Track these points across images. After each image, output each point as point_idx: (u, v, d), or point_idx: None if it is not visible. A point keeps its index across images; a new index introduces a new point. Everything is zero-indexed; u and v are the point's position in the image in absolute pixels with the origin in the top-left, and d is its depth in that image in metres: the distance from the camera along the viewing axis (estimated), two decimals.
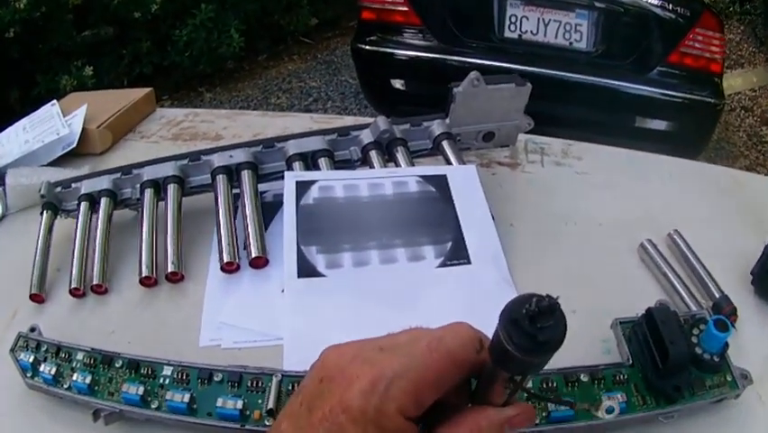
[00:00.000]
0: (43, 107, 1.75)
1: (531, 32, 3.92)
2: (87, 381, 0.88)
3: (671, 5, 3.92)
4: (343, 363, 0.57)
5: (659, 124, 4.05)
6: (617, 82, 3.91)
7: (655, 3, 3.90)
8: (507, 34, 3.96)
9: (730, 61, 8.06)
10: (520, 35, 3.94)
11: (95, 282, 1.13)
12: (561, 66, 3.91)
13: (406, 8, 4.10)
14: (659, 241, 1.26)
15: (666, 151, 3.36)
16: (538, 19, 3.88)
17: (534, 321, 0.47)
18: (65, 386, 0.90)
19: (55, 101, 1.76)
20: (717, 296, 1.12)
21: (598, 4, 3.82)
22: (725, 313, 1.07)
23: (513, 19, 3.92)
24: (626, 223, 1.34)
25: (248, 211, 1.19)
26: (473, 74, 1.28)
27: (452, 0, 4.06)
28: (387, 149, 1.31)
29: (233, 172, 1.27)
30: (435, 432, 0.57)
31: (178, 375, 0.88)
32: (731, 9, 9.82)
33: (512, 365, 0.51)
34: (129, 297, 1.14)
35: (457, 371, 0.56)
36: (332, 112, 5.91)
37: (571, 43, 3.91)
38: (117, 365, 0.90)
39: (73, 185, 1.29)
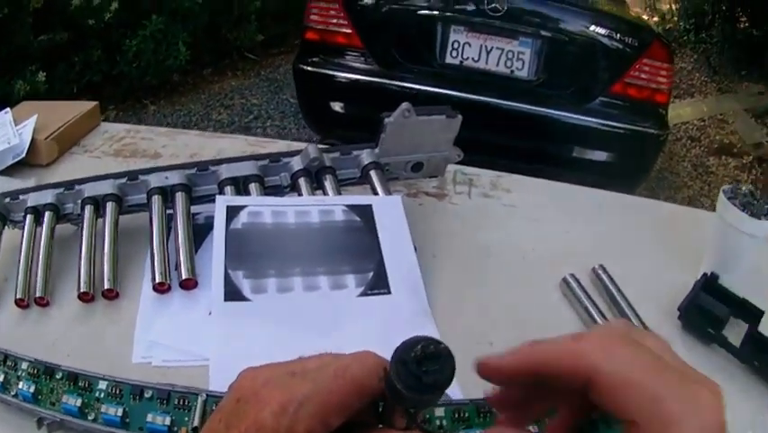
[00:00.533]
0: None
1: (472, 58, 3.94)
2: (32, 390, 0.91)
3: (618, 35, 3.94)
4: (257, 386, 0.59)
5: (599, 155, 4.07)
6: (556, 112, 3.93)
7: (603, 32, 3.92)
8: (449, 60, 3.98)
9: (680, 90, 8.16)
10: (461, 62, 3.96)
11: (37, 295, 1.15)
12: (500, 94, 3.93)
13: (349, 30, 4.11)
14: (583, 275, 1.29)
15: (605, 181, 3.41)
16: (481, 46, 3.90)
17: (421, 364, 0.50)
18: (12, 393, 0.93)
19: (8, 109, 1.77)
20: None
21: (543, 33, 3.85)
22: None
23: (455, 45, 3.93)
24: (551, 256, 1.37)
25: (180, 233, 1.21)
26: (404, 105, 1.31)
27: (396, 24, 4.09)
28: (316, 176, 1.33)
29: (167, 193, 1.29)
30: None
31: (112, 390, 0.90)
32: (685, 38, 9.92)
33: (402, 400, 0.55)
34: (69, 310, 1.15)
35: (360, 397, 0.58)
36: (271, 131, 5.94)
37: (512, 71, 3.92)
38: (58, 377, 0.92)
39: (20, 196, 1.30)
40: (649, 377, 0.51)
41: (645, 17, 10.42)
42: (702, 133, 7.05)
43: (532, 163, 3.81)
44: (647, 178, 4.78)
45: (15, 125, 1.68)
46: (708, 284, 1.25)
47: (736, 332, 1.18)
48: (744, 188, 1.24)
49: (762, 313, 1.20)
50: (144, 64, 5.95)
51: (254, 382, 0.60)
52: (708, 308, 1.21)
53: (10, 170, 1.59)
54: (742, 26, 9.31)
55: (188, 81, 6.89)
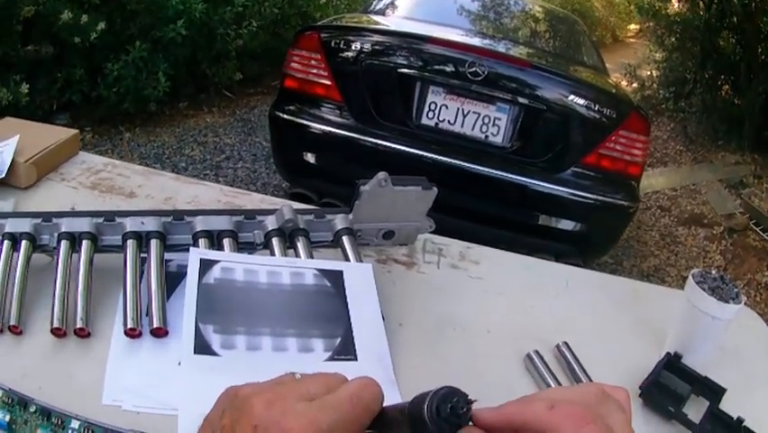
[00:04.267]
0: None
1: (449, 121, 3.96)
2: (7, 419, 0.93)
3: (596, 106, 3.98)
4: (276, 415, 0.63)
5: (568, 224, 4.10)
6: (528, 180, 3.94)
7: (580, 102, 3.96)
8: (425, 121, 3.99)
9: (654, 159, 8.23)
10: (437, 123, 3.98)
11: (11, 323, 1.15)
12: (473, 158, 3.94)
13: (329, 82, 4.12)
14: (547, 351, 1.31)
15: (571, 250, 3.43)
16: (458, 109, 3.93)
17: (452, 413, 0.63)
18: None
19: None
20: None
21: (521, 100, 3.88)
22: None
23: (432, 106, 3.96)
24: (515, 331, 1.39)
25: (152, 281, 1.22)
26: (381, 174, 1.32)
27: (375, 80, 4.10)
28: (289, 237, 1.35)
29: (142, 238, 1.30)
30: None
31: (84, 430, 0.92)
32: (664, 106, 9.99)
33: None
34: (41, 342, 1.15)
35: (369, 420, 0.66)
36: (241, 172, 5.95)
37: (486, 137, 3.95)
38: (31, 410, 0.94)
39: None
40: None
41: (625, 83, 10.53)
42: (673, 203, 7.12)
43: (500, 229, 3.85)
44: (613, 247, 4.82)
45: None
46: (671, 363, 1.29)
47: (696, 409, 1.22)
48: (713, 271, 1.28)
49: (723, 390, 1.24)
50: (123, 90, 5.96)
51: (271, 411, 0.63)
52: (670, 386, 1.26)
53: None
54: (724, 94, 9.40)
55: (165, 112, 6.91)
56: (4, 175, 1.60)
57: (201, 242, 1.30)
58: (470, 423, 0.67)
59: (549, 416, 0.63)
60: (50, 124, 2.03)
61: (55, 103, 5.77)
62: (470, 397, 0.65)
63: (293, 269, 1.26)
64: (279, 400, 0.65)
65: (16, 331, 1.16)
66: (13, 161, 1.63)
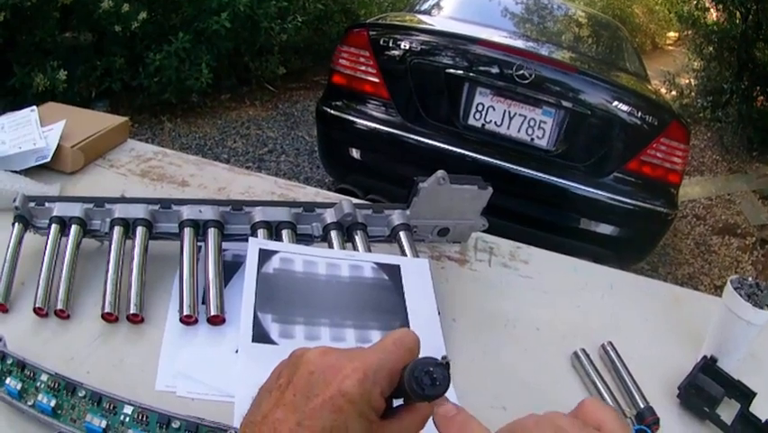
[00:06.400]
0: (22, 111, 1.76)
1: (495, 122, 3.94)
2: (52, 404, 0.93)
3: (639, 113, 3.95)
4: (331, 360, 0.71)
5: (607, 228, 4.08)
6: (569, 183, 3.94)
7: (624, 108, 3.93)
8: (471, 122, 3.98)
9: (690, 168, 8.13)
10: (483, 124, 3.96)
11: (59, 307, 1.16)
12: (518, 160, 3.93)
13: (377, 80, 4.12)
14: (592, 350, 1.33)
15: (609, 254, 3.41)
16: (504, 111, 3.91)
17: (425, 381, 0.68)
18: (29, 403, 0.94)
19: (35, 107, 1.77)
20: (642, 406, 1.20)
21: (566, 104, 3.86)
22: (647, 423, 1.16)
23: (479, 108, 3.94)
24: (563, 330, 1.40)
25: (210, 269, 1.23)
26: (440, 173, 1.34)
27: (422, 80, 4.08)
28: (347, 230, 1.36)
29: (199, 227, 1.31)
30: (400, 413, 0.75)
31: (138, 416, 0.93)
32: (701, 115, 9.89)
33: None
34: (90, 327, 1.16)
35: (412, 360, 0.71)
36: (284, 166, 5.94)
37: (532, 139, 3.93)
38: (80, 394, 0.94)
39: (46, 204, 1.30)
40: None
41: (664, 91, 10.44)
42: (708, 212, 7.06)
43: (541, 230, 3.83)
44: (651, 254, 4.80)
45: (41, 126, 1.69)
46: (707, 366, 1.31)
47: (728, 411, 1.24)
48: (750, 279, 1.29)
49: (753, 394, 1.26)
50: (165, 80, 5.96)
51: (326, 358, 0.71)
52: (706, 388, 1.27)
53: (32, 172, 1.60)
54: (759, 105, 9.32)
55: (207, 104, 6.91)
56: (49, 159, 1.61)
57: (260, 232, 1.32)
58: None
59: None
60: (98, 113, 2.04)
61: (94, 90, 5.78)
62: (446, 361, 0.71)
63: (352, 262, 1.27)
64: (333, 350, 0.73)
65: (63, 316, 1.17)
66: (59, 145, 1.64)
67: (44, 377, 0.96)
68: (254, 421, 0.69)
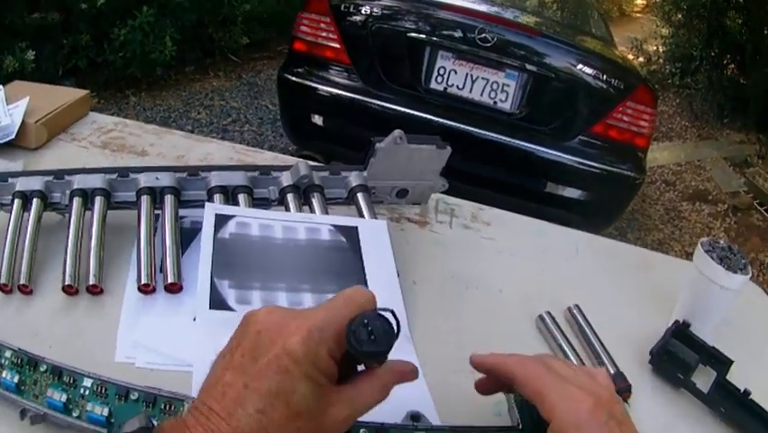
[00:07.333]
0: None
1: (457, 86, 3.97)
2: (15, 380, 0.91)
3: (605, 76, 3.98)
4: (277, 318, 0.70)
5: (573, 193, 4.10)
6: (535, 146, 3.96)
7: (589, 72, 3.96)
8: (433, 86, 4.01)
9: (659, 134, 8.19)
10: (446, 88, 3.99)
11: (21, 282, 1.14)
12: (481, 124, 3.96)
13: (338, 45, 4.14)
14: (558, 314, 1.32)
15: (576, 218, 3.43)
16: (467, 74, 3.94)
17: (366, 336, 0.68)
18: None
19: (1, 87, 1.75)
20: (612, 372, 1.18)
21: (529, 67, 3.88)
22: (618, 390, 1.13)
23: (441, 71, 3.97)
24: (528, 293, 1.39)
25: (167, 236, 1.22)
26: (397, 132, 1.33)
27: (384, 44, 4.11)
28: (304, 193, 1.34)
29: (156, 194, 1.29)
30: (356, 378, 0.74)
31: (97, 388, 0.90)
32: (670, 81, 9.94)
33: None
34: (52, 301, 1.14)
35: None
36: (248, 135, 5.98)
37: (495, 102, 3.96)
38: (42, 369, 0.92)
39: (9, 180, 1.28)
40: (540, 381, 0.81)
41: (631, 57, 10.48)
42: (678, 178, 7.11)
43: (506, 194, 3.84)
44: (619, 218, 4.81)
45: (6, 104, 1.67)
46: (679, 331, 1.28)
47: (704, 379, 1.22)
48: (721, 242, 1.28)
49: (730, 362, 1.23)
50: (130, 55, 5.96)
51: (272, 316, 0.70)
52: (679, 354, 1.25)
53: None
54: (730, 73, 9.37)
55: (171, 77, 6.91)
56: (14, 136, 1.60)
57: (216, 197, 1.30)
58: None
59: (506, 359, 0.87)
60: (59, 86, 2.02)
61: (61, 68, 5.76)
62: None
63: (308, 224, 1.26)
64: (279, 308, 0.72)
65: (26, 291, 1.15)
66: (22, 122, 1.62)
67: (8, 354, 0.94)
68: (209, 385, 0.69)
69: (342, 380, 0.72)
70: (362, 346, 0.66)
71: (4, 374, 0.91)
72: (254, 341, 0.68)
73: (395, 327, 0.69)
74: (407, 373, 0.78)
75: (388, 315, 0.70)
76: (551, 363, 0.84)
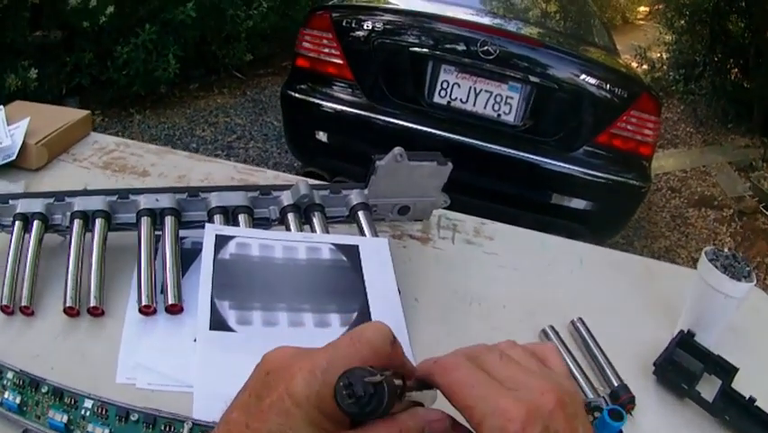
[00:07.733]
0: None
1: (461, 99, 3.96)
2: (17, 401, 0.92)
3: (608, 85, 3.97)
4: (285, 358, 0.65)
5: (579, 203, 4.09)
6: (539, 158, 3.95)
7: (592, 82, 3.95)
8: (437, 99, 4.00)
9: (664, 141, 8.17)
10: (449, 102, 3.98)
11: (23, 304, 1.14)
12: (485, 137, 3.95)
13: (341, 61, 4.13)
14: (562, 327, 1.31)
15: (583, 229, 3.42)
16: (470, 87, 3.93)
17: (355, 398, 0.59)
18: None
19: (2, 107, 1.75)
20: (616, 384, 1.18)
21: (533, 79, 3.87)
22: (621, 402, 1.14)
23: (444, 85, 3.96)
24: (531, 307, 1.39)
25: (167, 257, 1.21)
26: (397, 149, 1.32)
27: (387, 59, 4.11)
28: (304, 212, 1.34)
29: (156, 216, 1.29)
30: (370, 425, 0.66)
31: (97, 409, 0.91)
32: (674, 88, 9.94)
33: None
34: (53, 322, 1.14)
35: (376, 358, 0.64)
36: (253, 152, 5.96)
37: (499, 115, 3.95)
38: (43, 390, 0.93)
39: (10, 201, 1.29)
40: (465, 391, 0.67)
41: (635, 65, 10.47)
42: (683, 184, 7.09)
43: (512, 207, 3.84)
44: (625, 227, 4.81)
45: (7, 125, 1.67)
46: (684, 341, 1.28)
47: (709, 388, 1.21)
48: (726, 250, 1.28)
49: (735, 369, 1.23)
50: (133, 73, 5.96)
51: (282, 356, 0.66)
52: (683, 364, 1.25)
53: None
54: (733, 77, 9.36)
55: (175, 94, 6.91)
56: (15, 157, 1.60)
57: (216, 218, 1.29)
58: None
59: (431, 365, 0.72)
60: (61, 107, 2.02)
61: (64, 87, 5.76)
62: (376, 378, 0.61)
63: (309, 244, 1.25)
64: (291, 348, 0.68)
65: (27, 312, 1.15)
66: (23, 143, 1.62)
67: (10, 375, 0.95)
68: (220, 421, 0.67)
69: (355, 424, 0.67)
70: (343, 404, 0.60)
71: (6, 395, 0.92)
72: (262, 381, 0.66)
73: (386, 389, 0.60)
74: (434, 422, 0.70)
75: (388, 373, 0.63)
76: (484, 360, 0.73)
